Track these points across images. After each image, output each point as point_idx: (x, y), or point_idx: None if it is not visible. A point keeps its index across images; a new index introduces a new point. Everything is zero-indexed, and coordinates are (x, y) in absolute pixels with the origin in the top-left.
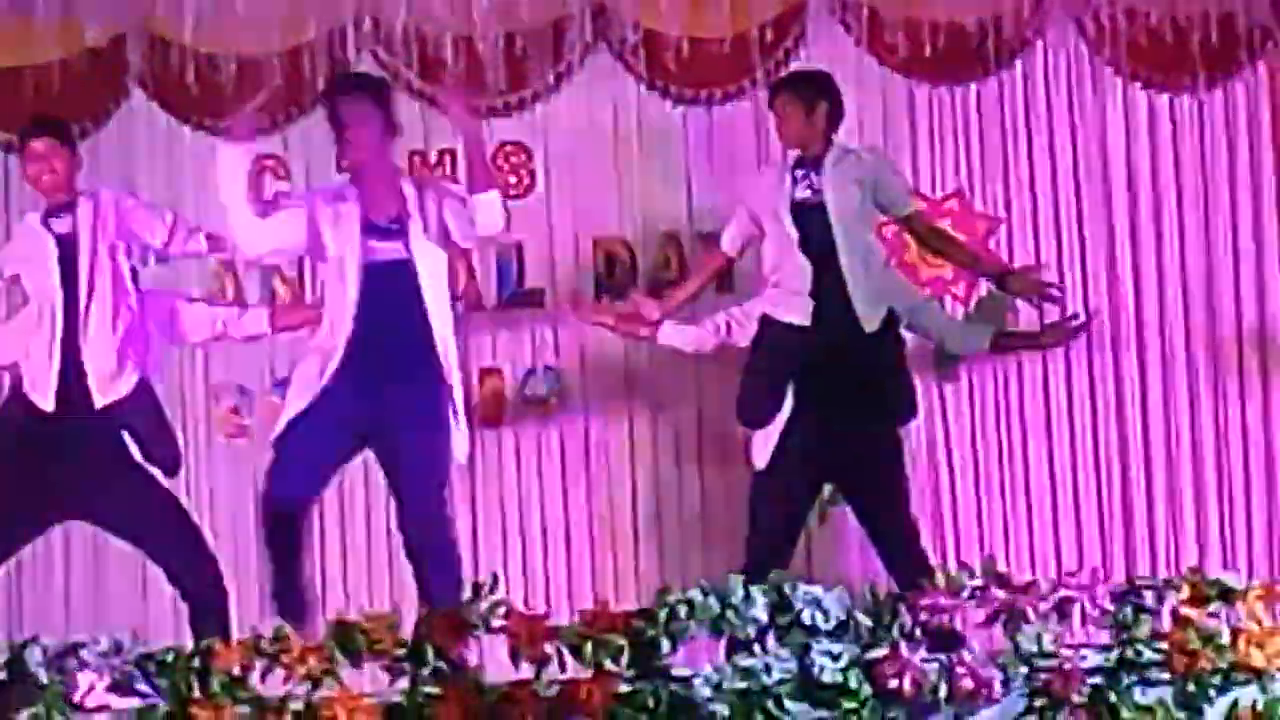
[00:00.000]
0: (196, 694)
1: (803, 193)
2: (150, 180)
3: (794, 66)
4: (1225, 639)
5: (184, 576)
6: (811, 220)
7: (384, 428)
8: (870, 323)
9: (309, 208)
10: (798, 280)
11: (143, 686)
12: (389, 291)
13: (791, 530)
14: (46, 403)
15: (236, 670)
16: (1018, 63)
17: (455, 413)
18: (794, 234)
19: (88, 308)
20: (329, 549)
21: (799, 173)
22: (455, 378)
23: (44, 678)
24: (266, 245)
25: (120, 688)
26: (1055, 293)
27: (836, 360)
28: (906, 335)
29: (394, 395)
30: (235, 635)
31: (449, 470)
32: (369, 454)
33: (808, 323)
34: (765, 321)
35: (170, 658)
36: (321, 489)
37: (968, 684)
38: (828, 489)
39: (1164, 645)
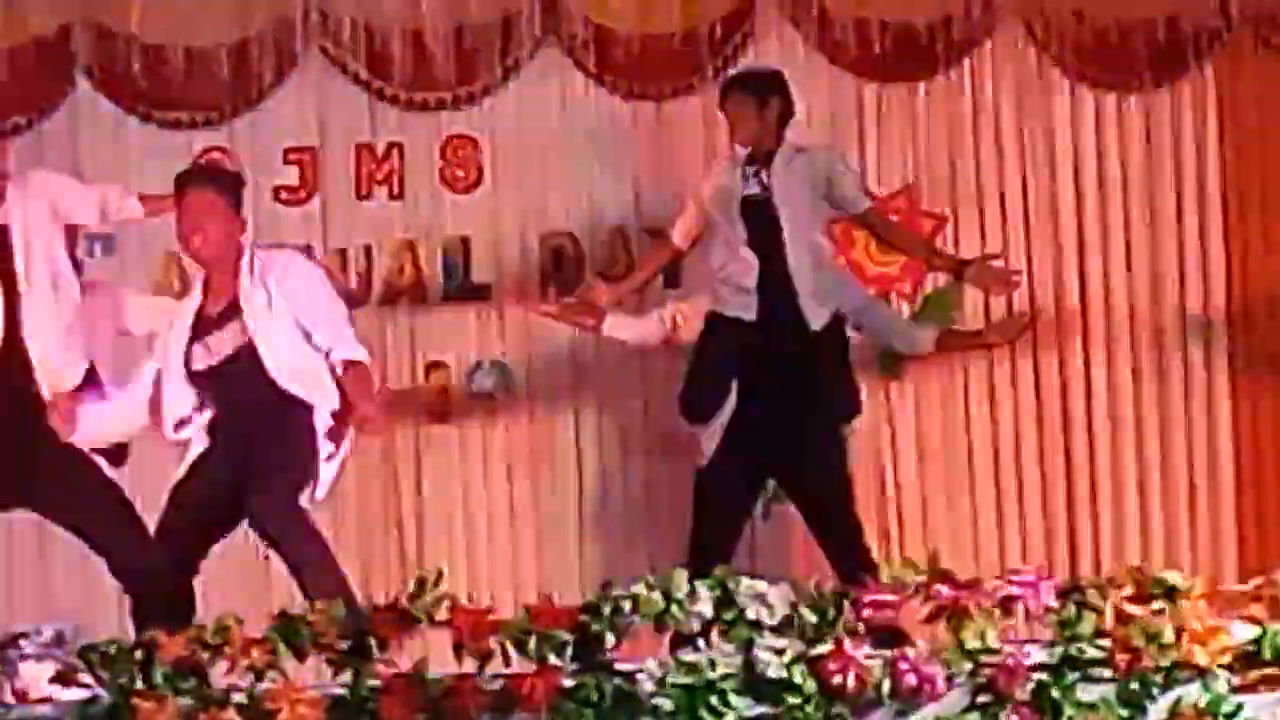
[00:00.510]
0: (140, 686)
1: (752, 189)
2: (96, 171)
3: (743, 64)
4: (1169, 637)
5: (125, 567)
6: (760, 218)
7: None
8: (816, 320)
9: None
10: (745, 277)
11: (85, 678)
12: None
13: (735, 526)
14: None
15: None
16: (966, 62)
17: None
18: (742, 232)
19: (27, 297)
20: None
21: (749, 169)
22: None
23: None
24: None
25: (63, 679)
26: (1016, 279)
27: (781, 357)
28: (852, 334)
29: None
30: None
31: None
32: None
33: (753, 319)
34: (711, 317)
35: (113, 650)
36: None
37: (911, 680)
38: (771, 485)
39: (1107, 643)
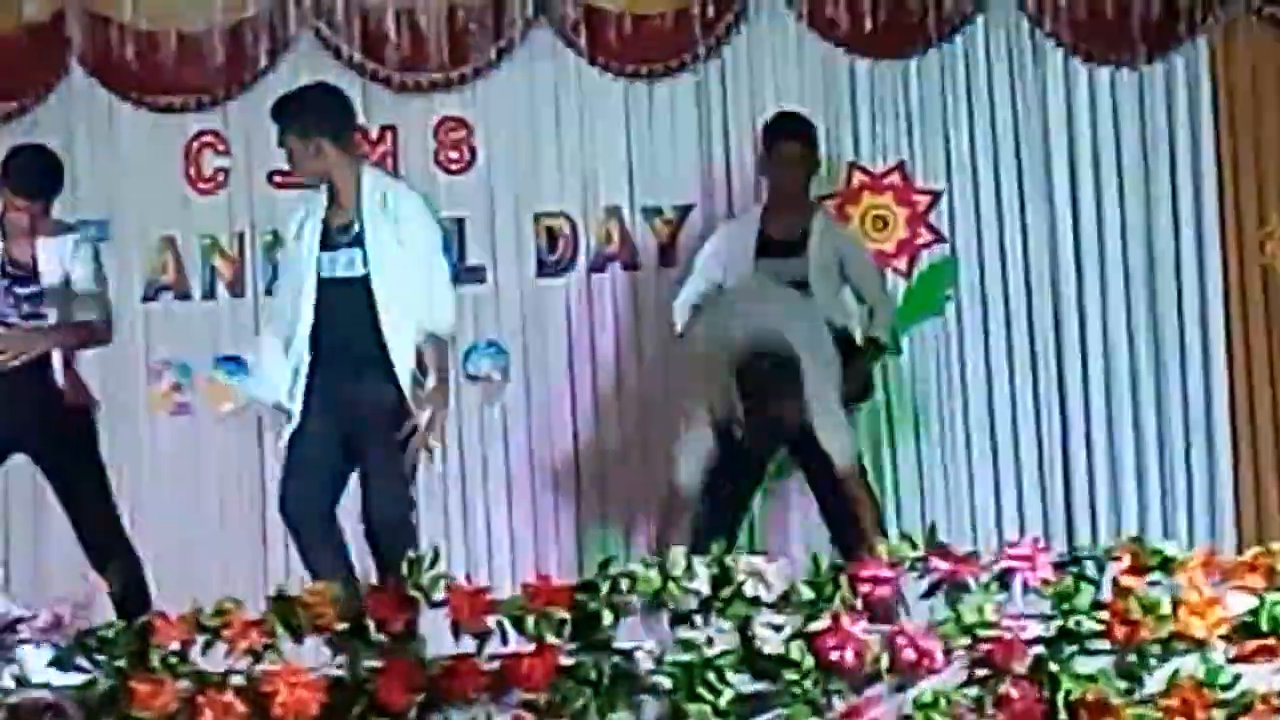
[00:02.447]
0: (138, 669)
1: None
2: (90, 157)
3: (735, 42)
4: (1166, 608)
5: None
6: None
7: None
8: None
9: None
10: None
11: (83, 661)
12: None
13: (741, 503)
14: None
15: (176, 645)
16: (959, 37)
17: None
18: None
19: None
20: None
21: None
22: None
23: None
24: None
25: (60, 663)
26: None
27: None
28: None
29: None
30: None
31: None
32: None
33: None
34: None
35: (111, 633)
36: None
37: (910, 654)
38: (779, 460)
39: (1105, 615)
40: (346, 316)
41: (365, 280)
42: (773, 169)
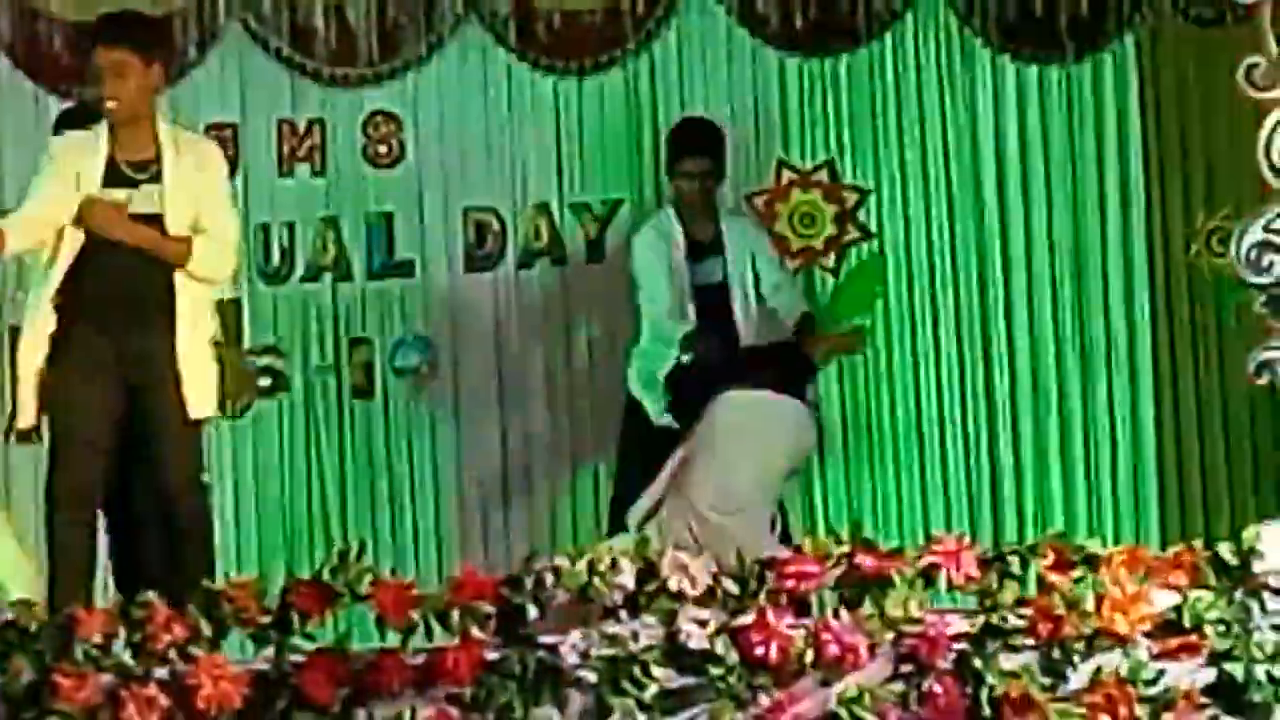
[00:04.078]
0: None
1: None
2: (16, 150)
3: (665, 38)
4: (1090, 605)
5: None
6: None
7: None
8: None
9: None
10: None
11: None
12: None
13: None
14: None
15: (100, 639)
16: (888, 35)
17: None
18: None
19: None
20: None
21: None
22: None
23: None
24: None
25: None
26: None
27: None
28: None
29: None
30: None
31: None
32: None
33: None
34: None
35: (33, 626)
36: None
37: (834, 650)
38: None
39: (1029, 611)
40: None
41: None
42: (682, 179)
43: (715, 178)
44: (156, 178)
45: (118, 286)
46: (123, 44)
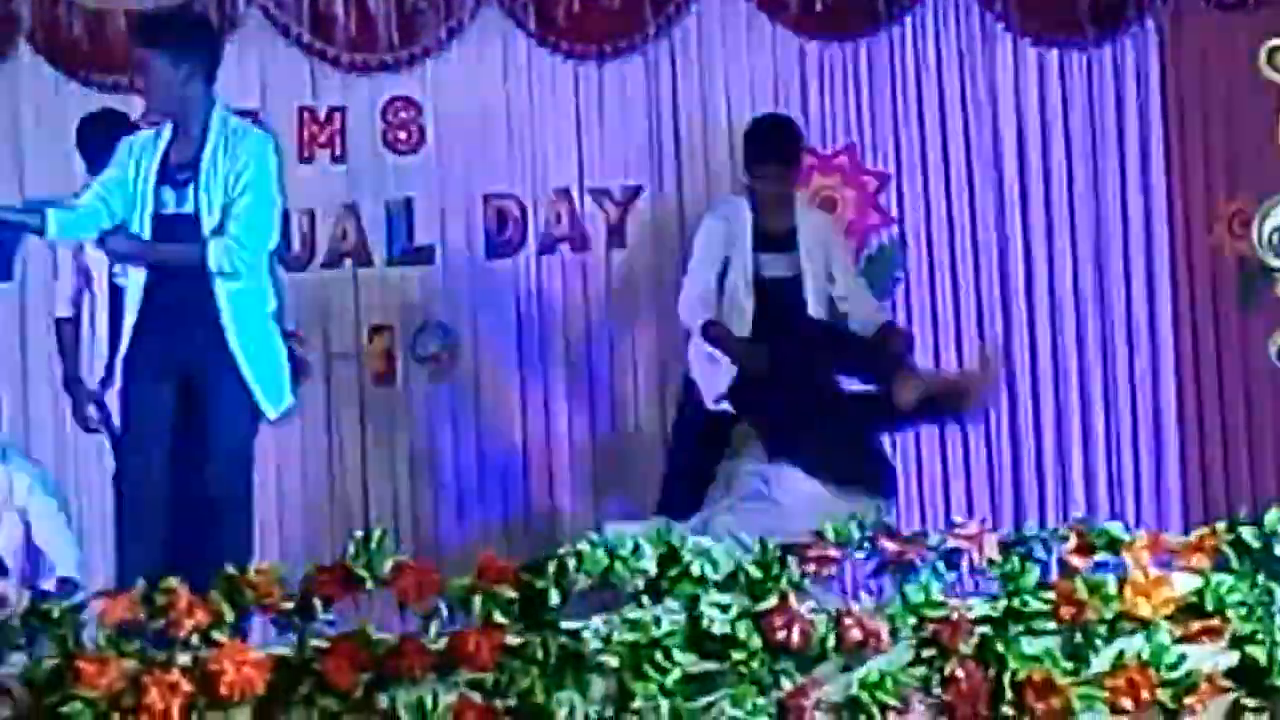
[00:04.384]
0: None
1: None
2: (36, 135)
3: (685, 23)
4: (1112, 589)
5: None
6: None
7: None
8: None
9: None
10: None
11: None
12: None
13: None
14: None
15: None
16: (908, 18)
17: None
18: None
19: None
20: None
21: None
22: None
23: None
24: None
25: (6, 641)
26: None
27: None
28: None
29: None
30: None
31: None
32: None
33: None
34: None
35: (56, 612)
36: None
37: (856, 634)
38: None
39: (1051, 595)
40: None
41: None
42: (757, 180)
43: (792, 176)
44: (197, 176)
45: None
46: (156, 45)
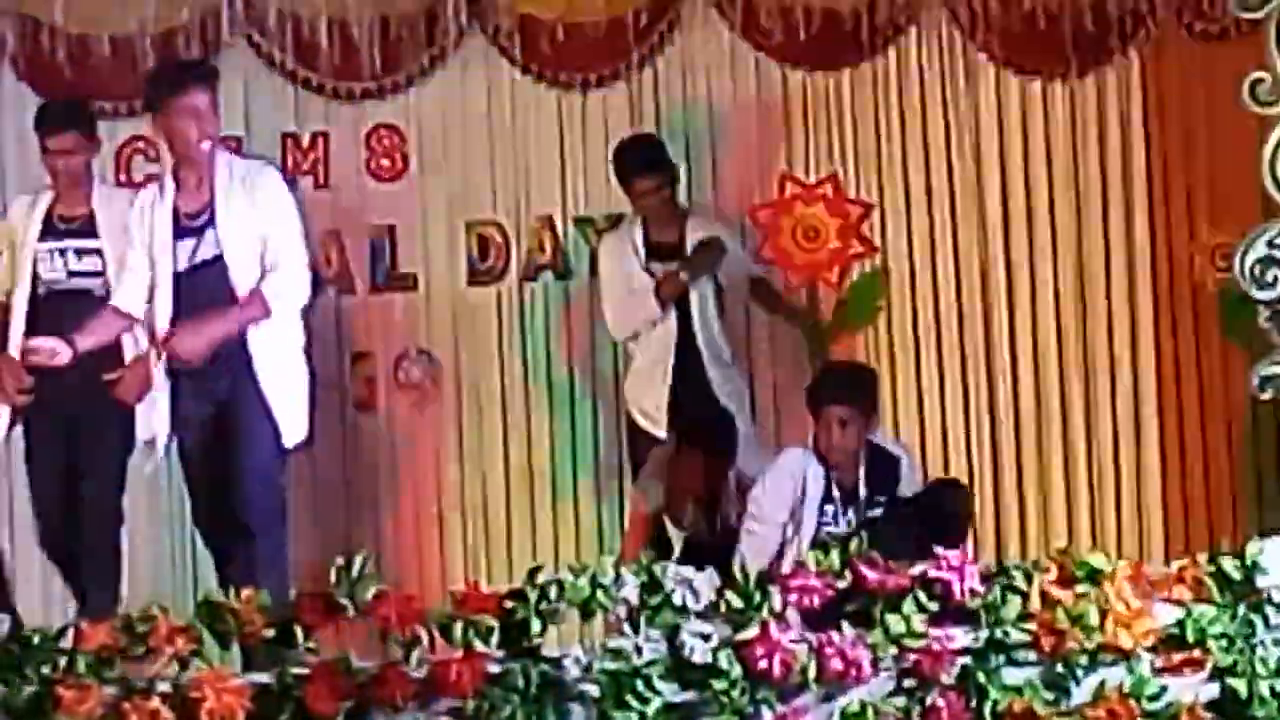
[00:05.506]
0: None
1: None
2: (20, 163)
3: (670, 52)
4: (1093, 620)
5: None
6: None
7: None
8: None
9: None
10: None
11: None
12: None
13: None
14: None
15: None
16: (891, 49)
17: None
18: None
19: None
20: None
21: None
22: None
23: None
24: None
25: None
26: None
27: None
28: None
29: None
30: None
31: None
32: None
33: None
34: None
35: (36, 639)
36: None
37: (837, 665)
38: None
39: (1032, 626)
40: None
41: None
42: (635, 198)
43: (670, 186)
44: (213, 221)
45: None
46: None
